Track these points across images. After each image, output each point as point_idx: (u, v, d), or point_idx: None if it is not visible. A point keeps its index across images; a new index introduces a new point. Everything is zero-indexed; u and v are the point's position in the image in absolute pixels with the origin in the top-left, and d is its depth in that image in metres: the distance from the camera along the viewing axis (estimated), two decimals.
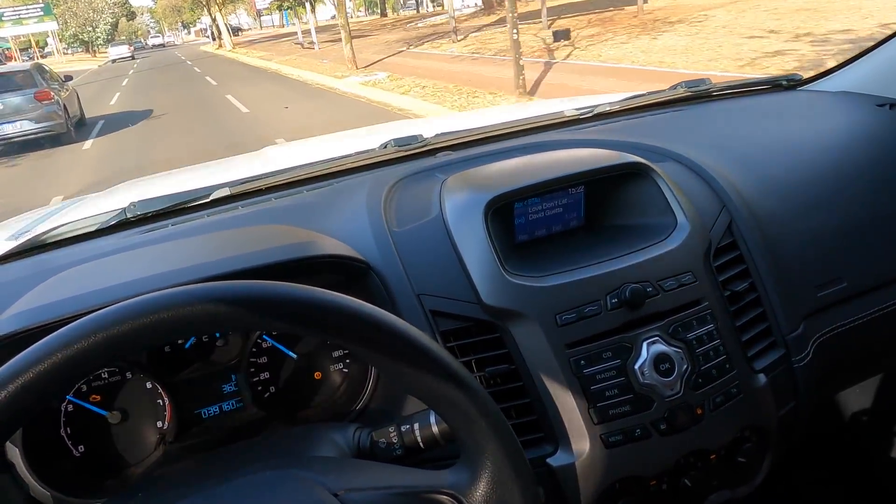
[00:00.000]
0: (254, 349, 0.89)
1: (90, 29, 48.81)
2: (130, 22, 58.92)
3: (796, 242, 1.07)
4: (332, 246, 0.87)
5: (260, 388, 0.90)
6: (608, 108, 1.44)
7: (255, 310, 0.50)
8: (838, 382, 1.25)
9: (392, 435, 0.72)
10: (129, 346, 0.48)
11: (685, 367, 0.86)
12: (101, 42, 51.39)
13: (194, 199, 1.16)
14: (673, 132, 1.30)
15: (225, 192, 1.17)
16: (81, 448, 0.83)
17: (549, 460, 0.84)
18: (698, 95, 1.50)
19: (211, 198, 1.16)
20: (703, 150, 1.16)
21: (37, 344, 0.47)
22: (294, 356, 0.91)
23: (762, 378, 0.94)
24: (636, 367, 0.85)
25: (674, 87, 1.54)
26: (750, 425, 0.93)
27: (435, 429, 0.70)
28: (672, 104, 1.49)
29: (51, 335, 0.48)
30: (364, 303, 0.54)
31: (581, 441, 0.84)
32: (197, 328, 0.50)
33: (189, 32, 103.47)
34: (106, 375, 0.84)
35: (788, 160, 1.18)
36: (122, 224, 1.13)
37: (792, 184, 1.13)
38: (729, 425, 0.90)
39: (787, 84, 1.56)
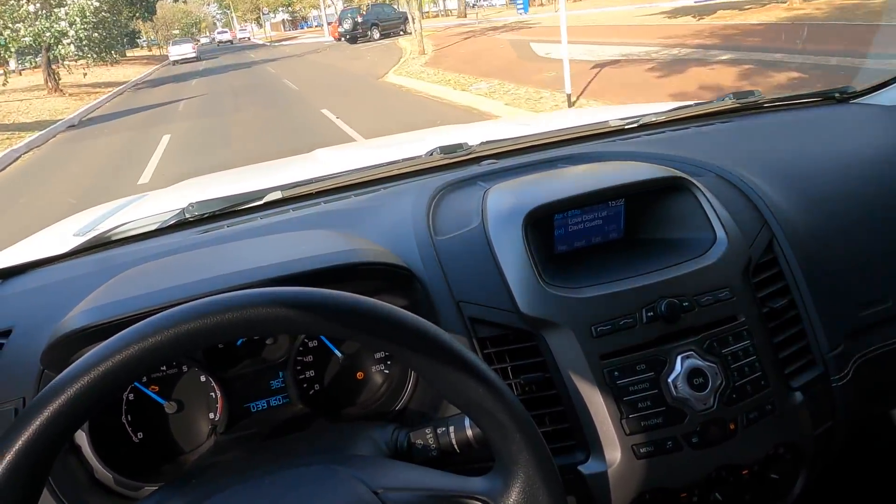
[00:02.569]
0: (301, 348, 0.94)
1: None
2: (146, 22, 44.63)
3: (840, 260, 1.06)
4: (378, 253, 0.90)
5: (305, 385, 0.95)
6: (653, 119, 1.45)
7: (323, 316, 0.55)
8: (879, 404, 1.23)
9: (429, 437, 0.75)
10: (202, 342, 0.54)
11: (719, 382, 0.87)
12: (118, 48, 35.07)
13: (248, 201, 1.22)
14: (717, 146, 1.30)
15: (277, 195, 1.23)
16: (140, 435, 0.89)
17: (580, 468, 0.86)
18: (746, 107, 1.49)
19: (264, 200, 1.22)
20: (746, 165, 1.15)
21: (114, 337, 0.53)
22: (340, 355, 0.95)
23: (798, 396, 0.94)
24: (669, 380, 0.86)
25: (721, 99, 1.52)
26: (784, 442, 0.93)
27: (469, 433, 0.73)
28: (719, 115, 1.48)
29: (127, 329, 0.53)
30: (414, 315, 0.58)
31: (612, 450, 0.85)
32: (267, 329, 0.55)
33: (261, 25, 79.52)
34: (164, 368, 0.89)
35: (836, 175, 1.17)
36: (181, 224, 1.20)
37: (838, 200, 1.12)
38: (762, 442, 0.91)
39: (838, 97, 1.53)
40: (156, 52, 59.58)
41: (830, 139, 1.32)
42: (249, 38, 65.74)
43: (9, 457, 0.50)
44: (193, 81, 20.93)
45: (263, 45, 45.41)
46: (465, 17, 35.22)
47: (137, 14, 34.91)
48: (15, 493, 0.50)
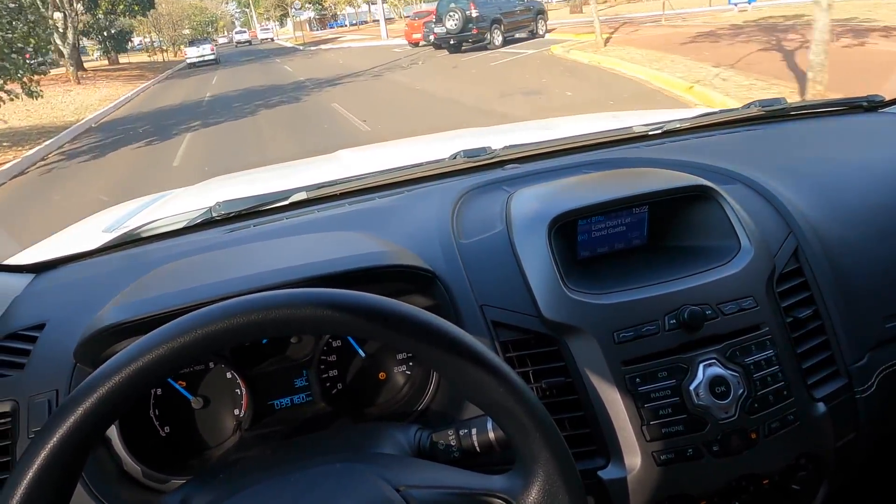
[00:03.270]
0: (325, 347, 0.95)
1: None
2: (142, 18, 33.88)
3: (867, 271, 1.05)
4: (402, 256, 0.92)
5: (328, 384, 0.96)
6: (678, 126, 1.44)
7: (354, 317, 0.57)
8: None
9: (451, 438, 0.76)
10: (237, 340, 0.56)
11: (741, 391, 0.87)
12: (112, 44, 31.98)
13: (274, 202, 1.24)
14: (743, 153, 1.29)
15: (302, 195, 1.25)
16: (167, 429, 0.91)
17: (599, 473, 0.86)
18: (772, 115, 1.48)
19: (289, 201, 1.24)
20: (772, 173, 1.15)
21: (151, 333, 0.55)
22: (363, 354, 0.96)
23: (821, 407, 0.93)
24: (691, 388, 0.86)
25: (747, 106, 1.52)
26: (806, 453, 0.92)
27: (491, 435, 0.74)
28: (744, 123, 1.47)
29: (164, 325, 0.55)
30: (436, 316, 0.59)
31: (633, 456, 0.86)
32: (301, 328, 0.57)
33: (282, 24, 69.83)
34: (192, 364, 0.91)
35: (863, 185, 1.16)
36: (208, 222, 1.22)
37: (866, 210, 1.11)
38: (784, 452, 0.90)
39: (867, 105, 1.52)
40: (158, 56, 46.95)
41: (859, 148, 1.31)
42: (273, 39, 56.25)
43: (45, 452, 0.51)
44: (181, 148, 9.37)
45: (295, 50, 33.88)
46: (581, 11, 23.59)
47: (125, 7, 28.37)
48: (51, 485, 0.52)
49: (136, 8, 29.22)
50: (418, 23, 20.76)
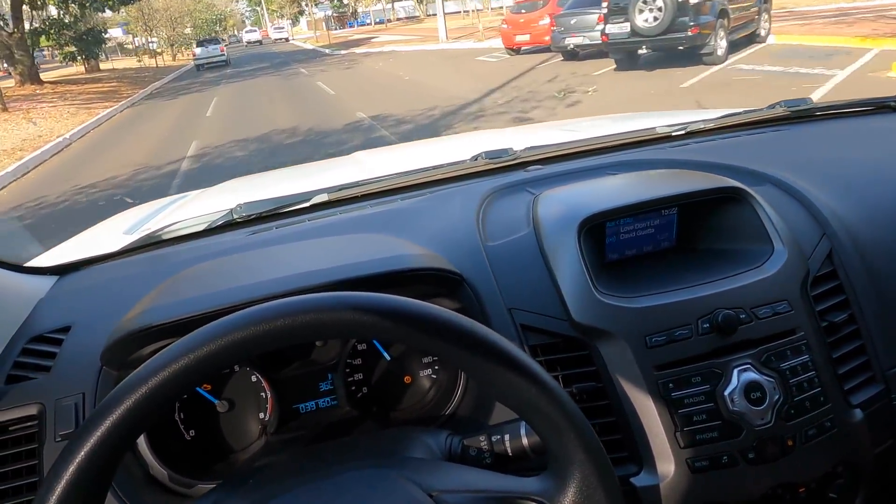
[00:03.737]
0: (350, 351, 0.94)
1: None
2: (129, 14, 30.73)
3: None
4: (429, 258, 0.91)
5: (353, 387, 0.95)
6: (702, 126, 1.42)
7: (385, 321, 0.56)
8: None
9: (483, 443, 0.74)
10: (270, 344, 0.55)
11: (777, 397, 0.85)
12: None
13: (295, 203, 1.23)
14: (771, 154, 1.27)
15: (323, 197, 1.24)
16: (192, 433, 0.90)
17: (632, 480, 0.84)
18: (798, 115, 1.46)
19: (311, 202, 1.23)
20: (803, 174, 1.13)
21: (184, 339, 0.54)
22: (388, 358, 0.95)
23: (858, 413, 0.91)
24: (726, 393, 0.84)
25: (772, 107, 1.50)
26: (843, 461, 0.90)
27: (525, 441, 0.73)
28: (770, 123, 1.45)
29: (192, 333, 0.54)
30: (466, 318, 0.58)
31: (666, 463, 0.84)
32: (333, 332, 0.56)
33: (296, 23, 60.82)
34: None
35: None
36: (229, 224, 1.21)
37: None
38: (821, 459, 0.88)
39: (894, 105, 1.49)
40: (151, 61, 36.09)
41: (889, 149, 1.29)
42: (288, 40, 49.99)
43: (73, 467, 0.51)
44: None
45: (320, 55, 27.05)
46: None
47: None
48: (81, 498, 0.51)
49: (110, 2, 23.08)
50: (526, 18, 14.25)
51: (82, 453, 0.51)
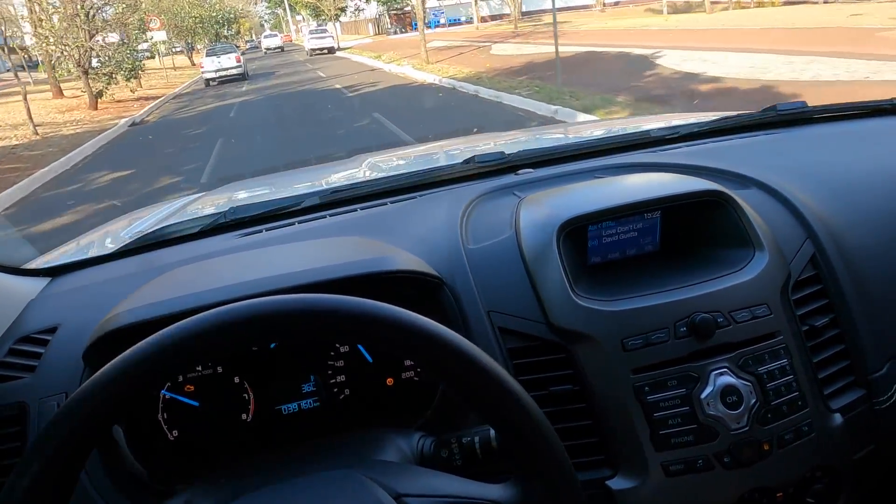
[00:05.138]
0: (332, 353, 0.95)
1: None
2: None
3: (887, 278, 1.02)
4: (408, 261, 0.91)
5: (336, 389, 0.96)
6: (695, 130, 1.42)
7: (339, 323, 0.57)
8: None
9: (453, 446, 0.75)
10: (228, 346, 0.56)
11: (753, 401, 0.85)
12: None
13: (286, 207, 1.24)
14: (762, 157, 1.27)
15: (315, 200, 1.25)
16: (175, 433, 0.91)
17: (608, 483, 0.85)
18: (793, 119, 1.45)
19: (302, 206, 1.24)
20: (791, 177, 1.12)
21: (159, 333, 0.56)
22: (370, 360, 0.96)
23: (838, 418, 0.91)
24: (702, 397, 0.84)
25: (766, 110, 1.49)
26: (822, 466, 0.90)
27: (494, 444, 0.73)
28: (764, 127, 1.45)
29: (169, 327, 0.56)
30: (433, 322, 0.59)
31: (641, 467, 0.84)
32: (292, 335, 0.57)
33: (324, 22, 37.84)
34: (199, 369, 0.92)
35: (887, 190, 1.13)
36: (221, 227, 1.23)
37: (888, 215, 1.08)
38: (798, 464, 0.88)
39: (890, 108, 1.48)
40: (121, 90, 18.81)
41: (882, 152, 1.28)
42: (334, 50, 32.56)
43: (37, 463, 0.52)
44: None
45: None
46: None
47: None
48: (50, 486, 0.52)
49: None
50: None
51: (43, 454, 0.52)
